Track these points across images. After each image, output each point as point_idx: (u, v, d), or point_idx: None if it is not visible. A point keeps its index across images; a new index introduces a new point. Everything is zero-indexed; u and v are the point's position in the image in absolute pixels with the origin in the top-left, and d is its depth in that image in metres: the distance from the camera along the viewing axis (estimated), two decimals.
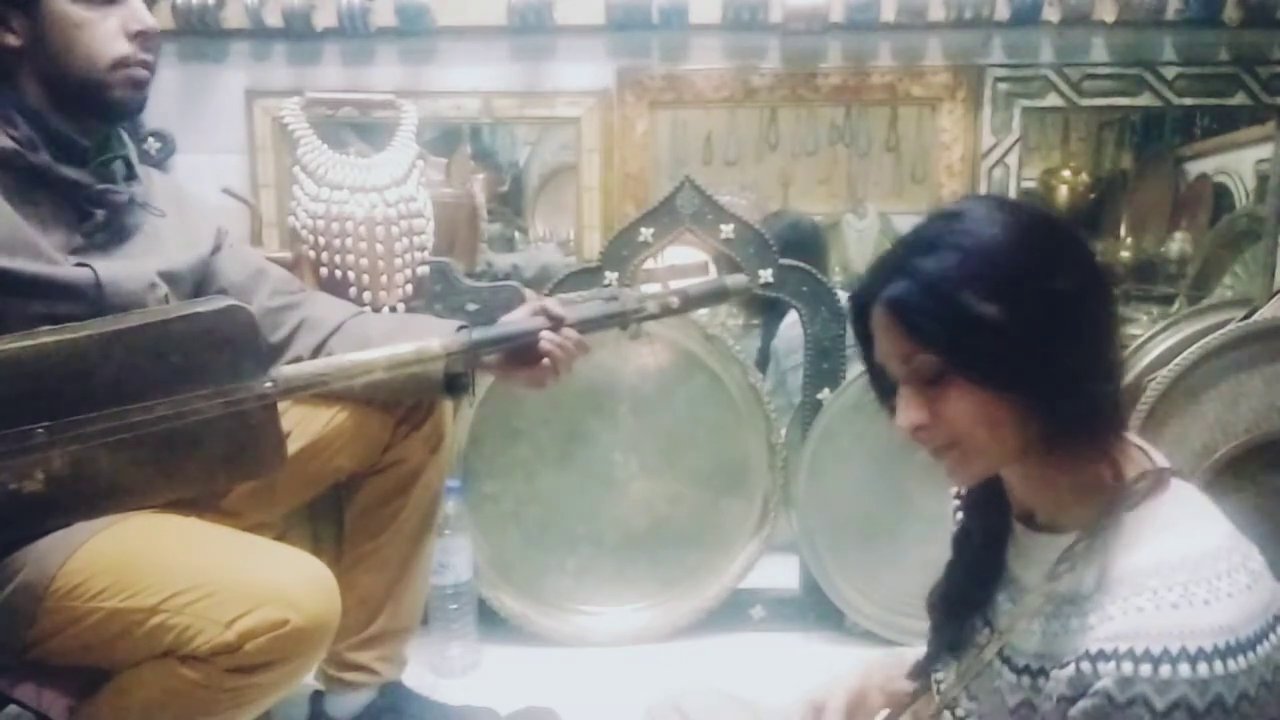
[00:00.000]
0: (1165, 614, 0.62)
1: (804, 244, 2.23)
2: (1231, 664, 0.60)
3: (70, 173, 1.07)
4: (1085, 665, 0.65)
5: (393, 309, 1.63)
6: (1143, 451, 0.75)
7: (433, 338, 1.15)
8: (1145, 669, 0.61)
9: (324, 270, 1.62)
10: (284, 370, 1.07)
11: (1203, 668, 0.60)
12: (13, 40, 1.05)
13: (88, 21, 1.06)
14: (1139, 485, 0.71)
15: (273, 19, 1.80)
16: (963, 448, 0.73)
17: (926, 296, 0.70)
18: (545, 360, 1.19)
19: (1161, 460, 0.75)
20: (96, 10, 1.07)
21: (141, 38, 1.10)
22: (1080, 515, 0.73)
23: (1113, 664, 0.62)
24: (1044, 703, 0.71)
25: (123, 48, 1.08)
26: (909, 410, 0.74)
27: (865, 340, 0.78)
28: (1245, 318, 1.52)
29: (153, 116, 1.73)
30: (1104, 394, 0.72)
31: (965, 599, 0.83)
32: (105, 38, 1.07)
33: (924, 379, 0.72)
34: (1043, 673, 0.72)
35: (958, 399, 0.71)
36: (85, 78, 1.07)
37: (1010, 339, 0.68)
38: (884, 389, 0.79)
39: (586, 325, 1.22)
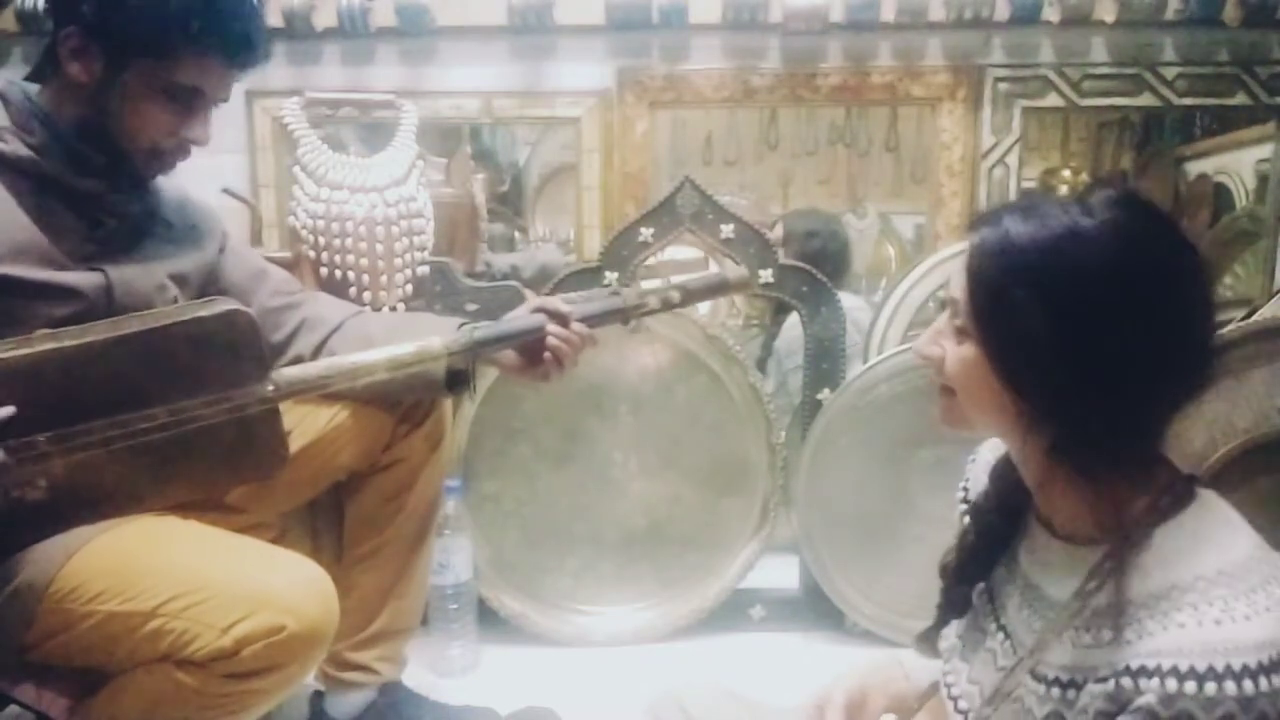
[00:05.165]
0: (1208, 630, 0.62)
1: (829, 246, 2.25)
2: (1276, 679, 0.60)
3: (83, 182, 1.06)
4: (1126, 681, 0.64)
5: (392, 309, 1.63)
6: (1163, 457, 0.73)
7: (434, 336, 1.15)
8: (1190, 686, 0.60)
9: (324, 270, 1.62)
10: (285, 373, 1.07)
11: (1248, 685, 0.59)
12: (81, 76, 1.03)
13: (154, 113, 1.06)
14: (1167, 497, 0.69)
15: (273, 19, 1.79)
16: (959, 402, 0.74)
17: (997, 271, 0.69)
18: (549, 354, 1.19)
19: (1180, 465, 0.73)
20: (168, 108, 1.06)
21: (188, 143, 1.10)
22: (1104, 528, 0.71)
23: (1156, 680, 0.62)
24: (1077, 716, 0.69)
25: (168, 143, 1.08)
26: (929, 339, 0.75)
27: None
28: (1245, 318, 1.51)
29: None
30: (1142, 430, 0.70)
31: (977, 566, 0.83)
32: (159, 129, 1.07)
33: (957, 326, 0.73)
34: (1073, 685, 0.70)
35: (973, 367, 0.71)
36: (119, 142, 1.06)
37: (1051, 365, 0.67)
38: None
39: (589, 321, 1.21)
